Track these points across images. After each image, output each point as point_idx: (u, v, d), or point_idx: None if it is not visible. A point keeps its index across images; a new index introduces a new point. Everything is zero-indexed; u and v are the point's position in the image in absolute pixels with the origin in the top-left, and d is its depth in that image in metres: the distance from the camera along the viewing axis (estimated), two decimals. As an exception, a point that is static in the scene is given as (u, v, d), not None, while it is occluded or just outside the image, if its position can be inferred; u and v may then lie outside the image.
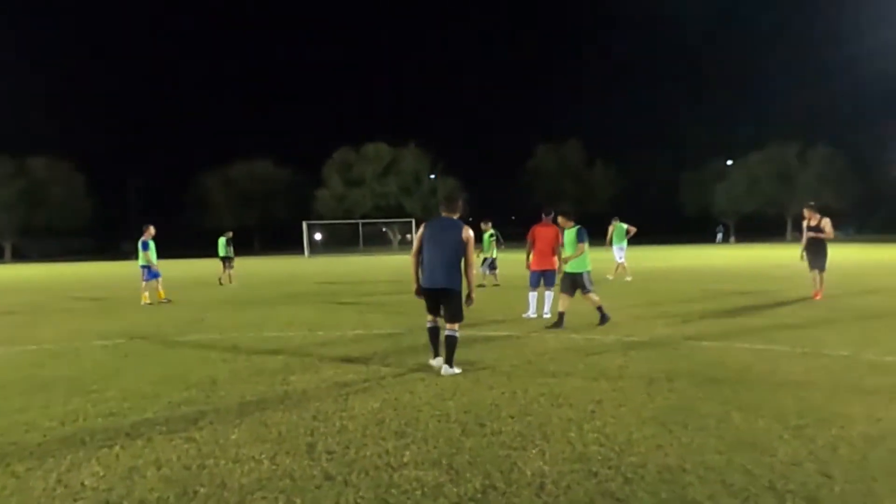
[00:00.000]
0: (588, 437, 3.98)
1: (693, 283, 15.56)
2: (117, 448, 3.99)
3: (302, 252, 51.65)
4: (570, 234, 8.76)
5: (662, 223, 76.14)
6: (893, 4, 64.03)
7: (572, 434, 4.04)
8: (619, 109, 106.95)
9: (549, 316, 9.49)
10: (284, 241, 64.40)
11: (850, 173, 62.73)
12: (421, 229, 6.04)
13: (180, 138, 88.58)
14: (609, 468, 3.46)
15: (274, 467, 3.60)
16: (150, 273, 13.58)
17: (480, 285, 14.86)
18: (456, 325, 5.91)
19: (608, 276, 16.99)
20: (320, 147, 70.03)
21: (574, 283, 8.67)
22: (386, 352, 7.07)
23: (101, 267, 37.06)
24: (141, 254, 13.47)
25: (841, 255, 28.46)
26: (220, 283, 18.74)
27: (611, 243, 17.50)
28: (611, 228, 17.70)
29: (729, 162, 70.65)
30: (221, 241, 19.17)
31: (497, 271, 15.73)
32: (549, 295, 9.76)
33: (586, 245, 8.62)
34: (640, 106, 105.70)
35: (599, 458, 3.62)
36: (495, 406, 4.72)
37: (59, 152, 61.69)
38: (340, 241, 62.71)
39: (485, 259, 15.54)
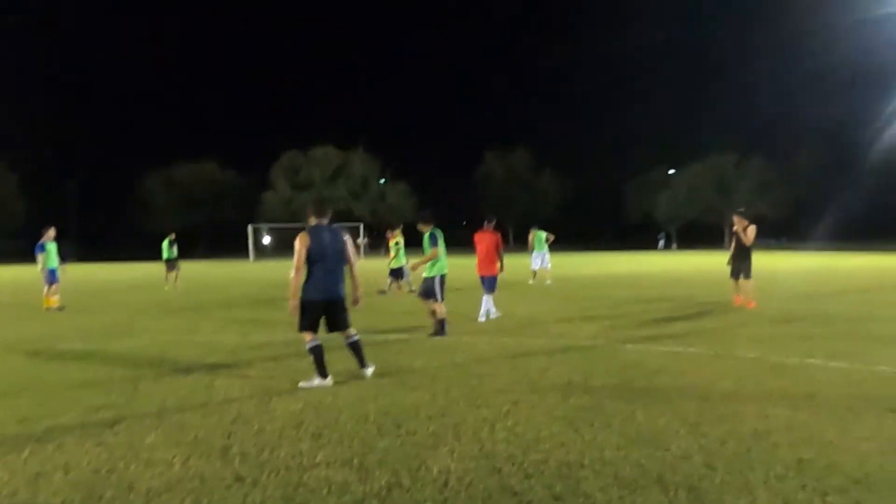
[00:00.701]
0: (498, 435, 4.14)
1: (627, 289, 16.04)
2: (26, 453, 3.94)
3: (248, 255, 50.85)
4: (424, 239, 8.49)
5: (608, 230, 78.08)
6: (824, 21, 67.23)
7: (484, 433, 4.19)
8: (566, 118, 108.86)
9: (483, 320, 9.73)
10: (231, 245, 63.25)
11: (783, 184, 65.66)
12: (304, 241, 5.52)
13: (122, 138, 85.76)
14: (512, 465, 3.62)
15: (185, 470, 3.63)
16: (53, 276, 12.77)
17: (381, 291, 15.05)
18: (352, 329, 5.91)
19: (530, 282, 17.77)
20: (268, 150, 68.99)
21: (427, 288, 8.44)
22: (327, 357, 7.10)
23: (32, 270, 35.64)
24: (39, 257, 12.56)
25: (770, 261, 29.75)
26: (166, 286, 18.36)
27: (532, 250, 18.28)
28: (531, 236, 18.42)
29: (671, 171, 72.95)
30: (165, 243, 18.93)
31: (407, 279, 15.28)
32: (486, 299, 9.96)
33: (437, 250, 8.29)
34: (587, 115, 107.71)
35: (505, 455, 3.78)
36: (414, 408, 4.84)
37: (-9, 150, 58.99)
38: (288, 244, 61.61)
39: (393, 269, 15.17)
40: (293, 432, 4.29)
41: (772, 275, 20.27)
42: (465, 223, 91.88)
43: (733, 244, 11.42)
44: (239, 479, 3.48)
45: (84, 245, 60.17)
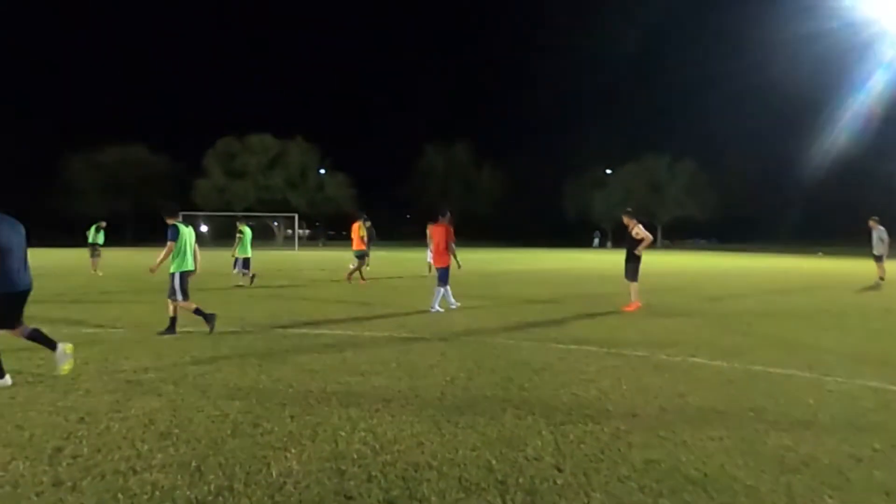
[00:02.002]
0: (357, 436, 4.01)
1: (548, 286, 16.19)
2: None
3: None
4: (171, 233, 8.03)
5: (545, 227, 79.23)
6: (764, 33, 70.02)
7: (342, 433, 4.05)
8: (507, 114, 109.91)
9: (436, 310, 10.04)
10: (160, 232, 60.95)
11: (712, 186, 68.21)
12: None
13: (43, 117, 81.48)
14: (359, 467, 3.50)
15: (2, 474, 3.35)
16: None
17: (238, 286, 14.76)
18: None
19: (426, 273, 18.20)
20: (202, 135, 66.93)
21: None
22: (203, 348, 6.85)
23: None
24: None
25: (697, 262, 30.73)
26: (99, 272, 17.97)
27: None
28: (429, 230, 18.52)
29: (608, 171, 74.67)
30: (92, 229, 18.85)
31: (249, 271, 15.25)
32: (438, 290, 10.29)
33: (174, 244, 7.86)
34: (528, 112, 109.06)
35: (355, 456, 3.65)
36: (281, 405, 4.66)
37: None
38: (221, 234, 60.26)
39: (236, 259, 15.38)
40: (140, 432, 4.04)
41: (687, 275, 20.91)
42: (408, 216, 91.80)
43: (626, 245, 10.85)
44: (57, 483, 3.23)
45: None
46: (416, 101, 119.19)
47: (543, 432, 4.12)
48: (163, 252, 7.85)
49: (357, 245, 15.85)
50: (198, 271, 8.30)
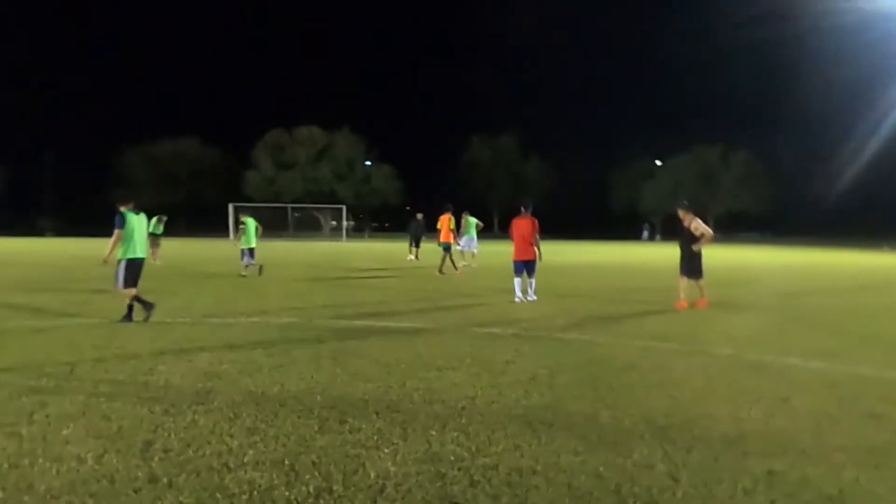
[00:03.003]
0: (448, 435, 3.82)
1: (605, 279, 15.80)
2: (-77, 444, 3.56)
3: (228, 234, 50.12)
4: (122, 219, 7.90)
5: (591, 219, 78.02)
6: (814, 20, 67.26)
7: (433, 433, 3.87)
8: (554, 105, 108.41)
9: (533, 299, 10.29)
10: (211, 223, 62.28)
11: (768, 178, 65.90)
12: None
13: (101, 111, 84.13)
14: (458, 469, 3.30)
15: (97, 468, 3.27)
16: None
17: (242, 276, 14.67)
18: None
19: (464, 263, 18.13)
20: (251, 128, 67.91)
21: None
22: (273, 341, 6.75)
23: (6, 243, 34.73)
24: None
25: (750, 256, 29.74)
26: (158, 262, 18.27)
27: (463, 235, 18.73)
28: (463, 221, 18.82)
29: (658, 162, 72.96)
30: (154, 220, 19.17)
31: (254, 261, 15.20)
32: (531, 282, 10.48)
33: (121, 232, 7.77)
34: (575, 103, 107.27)
35: (452, 458, 3.46)
36: (364, 401, 4.51)
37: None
38: (269, 225, 61.17)
39: (242, 250, 15.25)
40: (226, 426, 3.93)
41: (751, 269, 20.18)
42: (450, 206, 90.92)
43: (679, 241, 10.25)
44: (153, 480, 3.13)
45: (61, 219, 59.16)
46: (463, 93, 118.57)
47: (647, 437, 3.86)
48: (111, 241, 7.80)
49: (445, 237, 15.97)
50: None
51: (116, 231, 7.76)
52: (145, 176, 66.06)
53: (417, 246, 21.64)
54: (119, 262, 7.87)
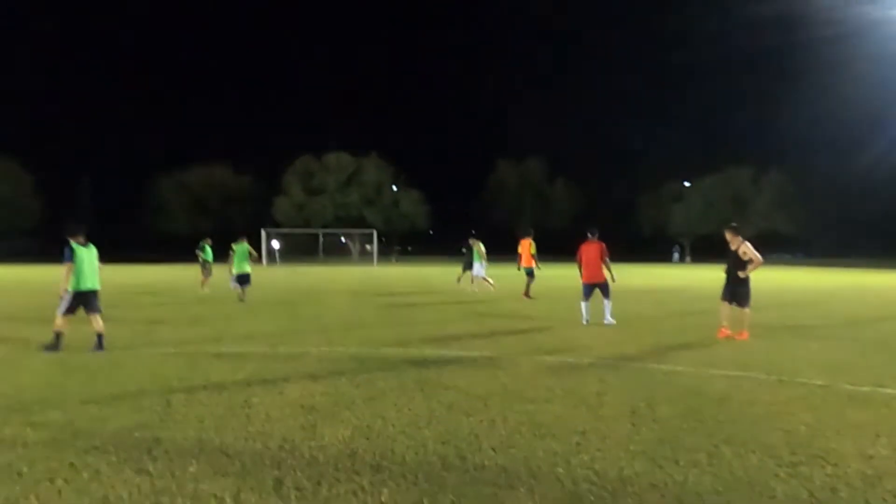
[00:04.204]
0: (577, 473, 3.75)
1: (653, 303, 15.59)
2: (59, 482, 3.57)
3: (260, 261, 50.64)
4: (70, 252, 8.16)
5: (620, 242, 77.36)
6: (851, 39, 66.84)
7: (560, 470, 3.79)
8: (581, 128, 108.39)
9: (610, 322, 10.72)
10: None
11: (800, 199, 64.94)
12: None
13: (136, 139, 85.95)
14: (603, 510, 3.23)
15: (238, 508, 3.26)
16: None
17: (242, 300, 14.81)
18: None
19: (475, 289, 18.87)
20: (281, 154, 68.88)
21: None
22: (353, 371, 6.73)
23: (41, 271, 35.44)
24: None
25: (799, 278, 29.17)
26: (206, 290, 18.53)
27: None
28: (474, 248, 19.21)
29: (687, 183, 72.40)
30: (207, 247, 19.81)
31: (248, 286, 15.46)
32: (606, 304, 10.91)
33: (71, 265, 8.03)
34: (601, 126, 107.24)
35: (592, 498, 3.38)
36: (475, 436, 4.45)
37: (6, 150, 59.13)
38: (299, 250, 61.80)
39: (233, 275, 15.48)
40: (348, 462, 3.90)
41: (807, 292, 19.78)
42: (473, 232, 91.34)
43: (727, 264, 9.55)
44: (300, 521, 3.10)
45: (97, 246, 60.19)
46: (489, 117, 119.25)
47: (780, 474, 3.74)
48: (63, 273, 8.03)
49: (527, 262, 16.12)
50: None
51: (67, 264, 8.02)
52: (178, 203, 67.31)
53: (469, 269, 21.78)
54: (66, 291, 8.04)
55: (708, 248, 69.91)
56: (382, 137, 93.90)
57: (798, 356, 7.83)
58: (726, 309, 9.51)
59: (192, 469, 3.79)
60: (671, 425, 4.77)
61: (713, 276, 32.50)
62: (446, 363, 7.24)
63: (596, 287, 10.93)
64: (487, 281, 18.94)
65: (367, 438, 4.39)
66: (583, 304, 10.97)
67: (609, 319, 10.81)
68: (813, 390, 5.97)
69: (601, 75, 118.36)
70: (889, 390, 5.96)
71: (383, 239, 77.03)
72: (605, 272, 10.96)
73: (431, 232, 76.65)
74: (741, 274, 9.24)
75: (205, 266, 19.68)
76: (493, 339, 9.17)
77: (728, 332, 9.38)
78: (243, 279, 15.40)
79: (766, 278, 27.50)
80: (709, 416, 5.01)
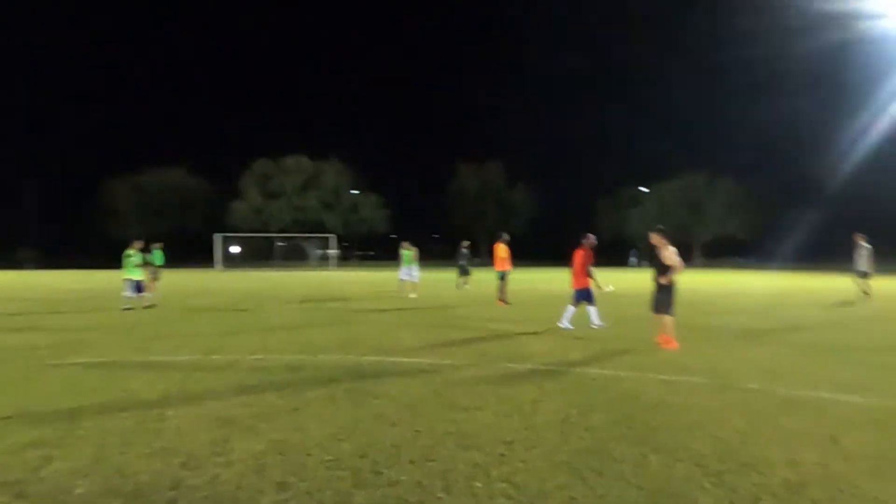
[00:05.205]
0: (495, 487, 3.55)
1: (608, 307, 15.58)
2: (-78, 509, 3.23)
3: (214, 265, 49.53)
4: None
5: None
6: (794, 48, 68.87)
7: (478, 484, 3.60)
8: (540, 134, 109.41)
9: (597, 325, 10.63)
10: (197, 253, 61.57)
11: (754, 204, 66.59)
12: None
13: (85, 142, 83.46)
14: (517, 529, 3.04)
15: (118, 534, 2.97)
16: None
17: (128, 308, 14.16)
18: None
19: (412, 295, 18.20)
20: (238, 157, 67.77)
21: None
22: (283, 380, 6.44)
23: (-14, 276, 33.97)
24: None
25: (748, 282, 29.73)
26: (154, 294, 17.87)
27: (403, 265, 19.29)
28: (401, 253, 19.49)
29: (644, 189, 73.56)
30: (159, 253, 18.94)
31: (137, 294, 14.67)
32: (590, 310, 10.82)
33: None
34: (561, 132, 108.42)
35: (507, 515, 3.19)
36: (395, 448, 4.22)
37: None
38: (256, 255, 60.78)
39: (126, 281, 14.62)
40: (254, 479, 3.64)
41: (751, 296, 20.09)
42: (435, 236, 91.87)
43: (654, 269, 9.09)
44: (183, 548, 2.83)
45: (44, 251, 58.17)
46: (449, 122, 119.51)
47: (706, 484, 3.61)
48: None
49: (500, 266, 15.88)
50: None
51: None
52: (131, 206, 65.44)
53: (466, 274, 21.59)
54: None
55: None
56: (342, 141, 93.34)
57: (739, 360, 7.81)
58: (669, 318, 8.99)
59: (79, 491, 3.48)
60: (602, 434, 4.62)
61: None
62: (383, 371, 7.00)
63: (578, 293, 10.83)
64: (409, 287, 18.66)
65: (281, 453, 4.13)
66: (568, 308, 10.89)
67: (596, 321, 10.70)
68: (749, 395, 5.91)
69: (561, 82, 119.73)
70: (823, 394, 5.94)
71: (346, 244, 76.41)
72: (589, 279, 10.81)
73: (395, 236, 76.34)
74: (662, 280, 8.83)
75: (153, 272, 19.13)
76: (437, 345, 8.95)
77: (675, 344, 8.86)
78: (137, 286, 14.62)
79: (716, 282, 27.96)
80: (641, 423, 4.88)
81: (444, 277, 32.85)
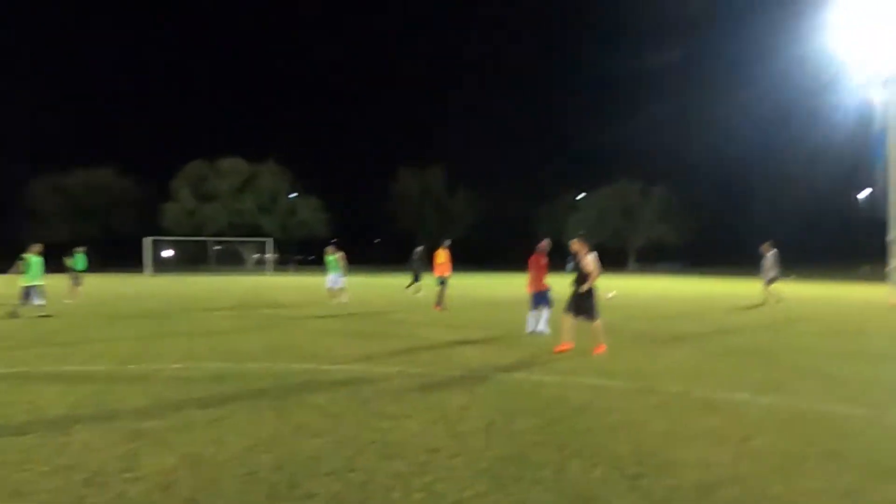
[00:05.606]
0: (413, 497, 3.50)
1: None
2: None
3: (144, 269, 47.76)
4: None
5: (519, 251, 79.25)
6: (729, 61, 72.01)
7: (396, 494, 3.54)
8: (481, 139, 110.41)
9: (540, 329, 10.67)
10: (127, 257, 59.17)
11: (683, 211, 69.14)
12: None
13: (7, 141, 79.10)
14: (431, 540, 2.99)
15: (5, 560, 2.77)
16: None
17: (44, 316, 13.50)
18: None
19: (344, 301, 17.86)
20: (171, 158, 65.65)
21: None
22: (205, 390, 6.22)
23: None
24: None
25: (679, 287, 30.73)
26: (69, 301, 17.14)
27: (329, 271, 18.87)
28: (326, 258, 19.07)
29: (581, 195, 75.23)
30: (80, 255, 18.78)
31: (30, 301, 13.92)
32: (543, 313, 10.79)
33: None
34: (501, 138, 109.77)
35: (423, 526, 3.15)
36: (315, 460, 4.12)
37: None
38: (190, 259, 58.92)
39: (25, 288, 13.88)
40: (160, 497, 3.47)
41: (680, 301, 20.75)
42: (377, 240, 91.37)
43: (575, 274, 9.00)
44: (76, 573, 2.66)
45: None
46: (389, 126, 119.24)
47: (621, 488, 3.66)
48: None
49: (439, 271, 15.78)
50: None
51: None
52: (56, 208, 62.40)
53: (418, 280, 21.22)
54: None
55: (601, 258, 73.09)
56: (281, 144, 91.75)
57: (662, 364, 8.03)
58: (569, 322, 8.91)
59: (-34, 515, 3.24)
60: (525, 439, 4.64)
61: (602, 284, 33.61)
62: (311, 380, 6.87)
63: (535, 297, 10.82)
64: (337, 292, 18.33)
65: (193, 467, 3.96)
66: (530, 314, 10.95)
67: (541, 326, 10.77)
68: (670, 398, 6.07)
69: (501, 89, 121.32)
70: (741, 396, 6.15)
71: (284, 248, 74.98)
72: (545, 284, 10.86)
73: (335, 240, 75.24)
74: (581, 288, 8.75)
75: (75, 276, 18.39)
76: (369, 352, 8.84)
77: (568, 346, 8.78)
78: (30, 292, 13.76)
79: (647, 287, 28.81)
80: (565, 428, 4.93)
81: (386, 283, 32.66)
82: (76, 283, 18.28)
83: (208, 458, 4.15)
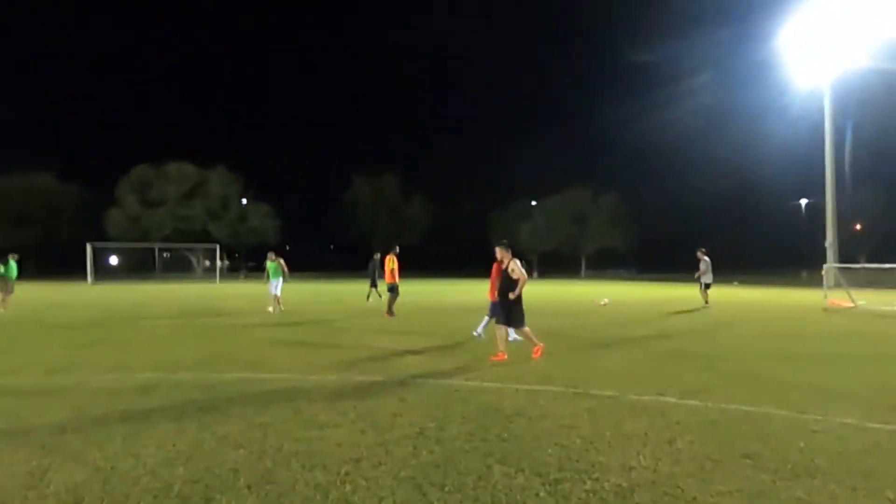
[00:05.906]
0: (330, 508, 3.45)
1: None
2: None
3: (87, 277, 46.14)
4: None
5: (472, 258, 79.67)
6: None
7: (313, 506, 3.48)
8: (435, 146, 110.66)
9: (480, 336, 10.80)
10: (70, 265, 57.00)
11: (632, 218, 70.76)
12: None
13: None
14: (342, 551, 2.95)
15: None
16: None
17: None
18: None
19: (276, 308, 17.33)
20: (114, 163, 63.73)
21: None
22: (130, 401, 6.03)
23: None
24: None
25: (622, 292, 31.28)
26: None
27: (268, 278, 18.06)
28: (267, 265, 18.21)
29: (533, 202, 76.07)
30: (12, 262, 18.14)
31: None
32: (485, 320, 10.97)
33: None
34: (455, 145, 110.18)
35: (335, 537, 3.10)
36: (234, 472, 4.02)
37: None
38: (137, 266, 57.17)
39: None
40: (64, 516, 3.33)
41: (628, 305, 21.14)
42: (332, 247, 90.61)
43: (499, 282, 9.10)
44: None
45: None
46: (343, 132, 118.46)
47: (541, 493, 3.69)
48: None
49: (389, 278, 15.64)
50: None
51: None
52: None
53: (376, 286, 20.98)
54: None
55: (553, 263, 74.03)
56: (231, 149, 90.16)
57: (598, 369, 8.15)
58: (503, 332, 8.92)
59: None
60: (453, 446, 4.63)
61: (556, 290, 34.22)
62: (244, 389, 6.72)
63: (494, 305, 10.17)
64: (272, 300, 17.71)
65: (104, 483, 3.82)
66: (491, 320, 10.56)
67: (478, 331, 11.00)
68: (601, 402, 6.15)
69: (455, 95, 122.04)
70: (668, 399, 6.28)
71: (237, 255, 73.58)
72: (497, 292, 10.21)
73: (288, 247, 74.45)
74: (511, 295, 8.69)
75: (5, 284, 17.68)
76: (308, 360, 8.72)
77: (504, 356, 8.69)
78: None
79: (594, 293, 29.25)
80: (494, 435, 4.95)
81: (338, 290, 32.34)
82: (7, 291, 17.56)
83: (122, 472, 4.01)
